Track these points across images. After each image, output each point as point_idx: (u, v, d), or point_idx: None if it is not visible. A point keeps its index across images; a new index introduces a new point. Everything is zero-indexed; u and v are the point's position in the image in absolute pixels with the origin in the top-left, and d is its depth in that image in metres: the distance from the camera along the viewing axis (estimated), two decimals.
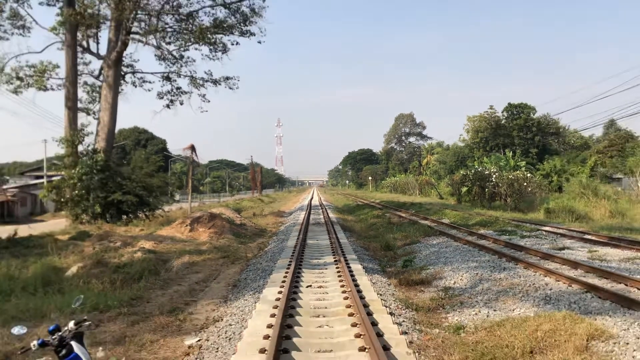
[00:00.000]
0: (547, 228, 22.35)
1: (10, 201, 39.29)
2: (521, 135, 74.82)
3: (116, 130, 32.64)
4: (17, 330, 4.05)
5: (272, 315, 8.08)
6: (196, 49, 31.15)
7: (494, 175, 43.09)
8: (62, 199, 26.55)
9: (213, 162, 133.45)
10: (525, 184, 41.60)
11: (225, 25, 29.50)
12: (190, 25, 30.01)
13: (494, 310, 8.92)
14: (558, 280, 10.62)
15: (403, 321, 8.36)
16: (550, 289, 9.91)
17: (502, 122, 78.52)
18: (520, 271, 11.97)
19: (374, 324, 7.53)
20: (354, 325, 7.60)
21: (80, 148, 27.21)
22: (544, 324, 7.23)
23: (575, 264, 12.39)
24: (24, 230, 20.41)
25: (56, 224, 28.92)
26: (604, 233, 20.09)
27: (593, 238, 18.45)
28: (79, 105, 30.07)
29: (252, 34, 30.24)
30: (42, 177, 55.15)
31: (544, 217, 31.32)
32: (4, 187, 43.74)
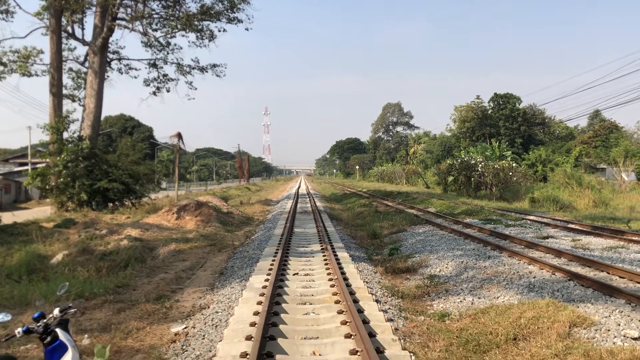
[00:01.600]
0: (531, 217, 22.60)
1: None
2: (507, 125, 75.23)
3: (102, 118, 32.35)
4: (0, 317, 4.02)
5: (259, 303, 8.11)
6: (183, 35, 30.85)
7: (480, 165, 43.33)
8: (47, 187, 26.26)
9: (200, 150, 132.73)
10: (510, 173, 41.91)
11: (212, 12, 29.21)
12: (177, 12, 29.70)
13: (479, 298, 9.03)
14: (542, 269, 10.77)
15: (389, 308, 8.44)
16: (534, 277, 10.05)
17: (489, 112, 78.85)
18: (504, 259, 12.11)
19: (360, 311, 7.59)
20: (340, 312, 7.65)
21: (65, 135, 26.91)
22: (528, 312, 7.34)
23: (558, 253, 12.56)
24: (8, 218, 20.19)
25: (41, 212, 28.66)
26: (587, 222, 20.37)
27: (577, 227, 18.71)
28: (64, 91, 29.70)
29: (240, 21, 30.02)
30: (26, 164, 54.48)
31: (529, 206, 31.65)
32: None
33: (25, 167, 50.16)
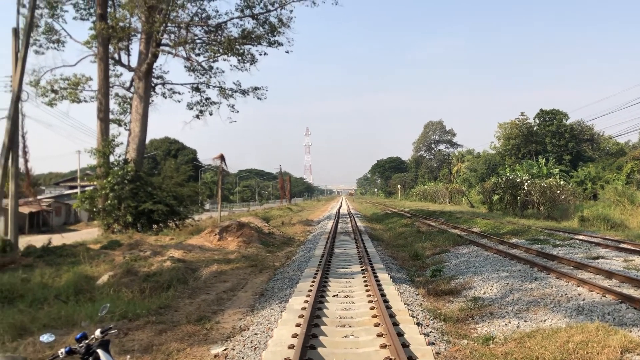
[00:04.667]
0: (581, 237, 21.80)
1: (45, 211, 40.29)
2: (554, 142, 73.41)
3: (147, 141, 33.23)
4: (45, 338, 4.13)
5: (298, 325, 8.06)
6: (225, 59, 31.52)
7: (526, 183, 42.33)
8: (94, 209, 27.08)
9: (243, 172, 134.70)
10: (558, 191, 40.73)
11: (253, 36, 29.80)
12: (219, 37, 30.42)
13: (525, 321, 8.72)
14: (591, 291, 10.34)
15: (430, 332, 8.24)
16: (583, 300, 9.65)
17: (534, 128, 77.21)
18: (552, 281, 11.69)
19: (400, 334, 7.44)
20: (379, 335, 7.52)
21: (111, 158, 27.74)
22: (576, 336, 7.03)
23: (609, 274, 12.04)
24: (57, 240, 20.88)
25: (89, 234, 29.54)
26: None
27: (629, 247, 17.90)
28: (111, 116, 30.70)
29: (280, 44, 30.47)
30: (75, 187, 56.43)
31: (578, 225, 30.60)
32: (39, 197, 44.88)
33: (75, 190, 51.97)
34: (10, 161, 18.03)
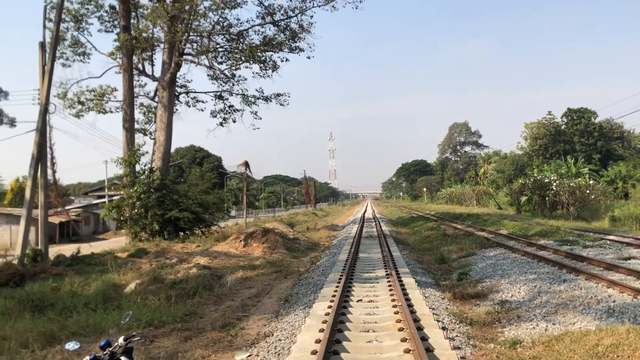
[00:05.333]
0: (611, 237, 21.32)
1: (74, 221, 41.08)
2: (582, 141, 71.98)
3: (172, 149, 33.65)
4: (71, 345, 4.20)
5: (321, 330, 8.04)
6: (247, 67, 31.67)
7: (555, 184, 41.61)
8: (122, 218, 27.48)
9: (268, 178, 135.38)
10: (588, 191, 39.94)
11: (274, 43, 29.92)
12: (241, 45, 30.62)
13: (553, 324, 8.54)
14: (622, 292, 10.08)
15: (456, 336, 8.13)
16: (614, 301, 9.41)
17: (562, 128, 75.85)
18: (581, 283, 11.44)
19: (424, 339, 7.35)
20: (403, 340, 7.44)
21: (137, 167, 28.13)
22: (606, 338, 6.85)
23: None
24: (86, 249, 21.25)
25: (116, 242, 30.02)
26: None
27: None
28: (136, 126, 31.20)
29: (301, 50, 30.51)
30: (103, 196, 57.41)
31: (609, 225, 29.96)
32: (69, 207, 45.80)
33: (103, 200, 52.83)
34: (39, 172, 18.44)
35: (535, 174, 49.72)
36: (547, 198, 42.15)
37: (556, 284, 11.59)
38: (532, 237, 22.73)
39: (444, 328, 8.38)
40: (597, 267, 13.53)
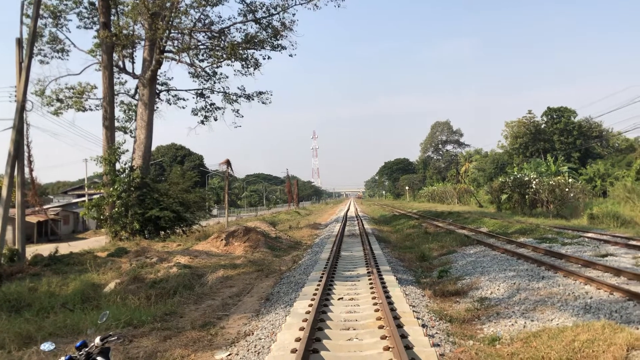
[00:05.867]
0: (590, 234, 21.63)
1: (53, 220, 40.47)
2: (562, 140, 72.87)
3: (153, 148, 33.35)
4: (46, 346, 4.13)
5: (301, 329, 8.02)
6: (229, 65, 31.53)
7: (534, 182, 42.08)
8: (102, 217, 27.17)
9: (250, 176, 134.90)
10: (567, 189, 40.46)
11: (256, 41, 29.80)
12: (222, 42, 30.47)
13: (531, 321, 8.63)
14: (599, 289, 10.23)
15: (436, 333, 8.17)
16: (591, 298, 9.55)
17: (542, 126, 76.73)
18: (559, 280, 11.59)
19: (404, 336, 7.38)
20: (383, 337, 7.46)
21: (118, 166, 27.82)
22: (582, 334, 6.95)
23: (618, 271, 11.93)
24: (65, 248, 20.95)
25: (96, 242, 29.64)
26: None
27: (639, 244, 17.73)
28: (116, 124, 30.81)
29: (284, 48, 30.44)
30: (83, 195, 56.65)
31: (588, 223, 30.37)
32: (47, 206, 45.10)
33: (82, 199, 52.14)
34: (16, 170, 18.12)
35: (516, 173, 50.26)
36: (527, 196, 42.60)
37: (535, 281, 11.72)
38: (512, 235, 22.97)
39: (423, 325, 8.42)
40: (575, 264, 13.72)
